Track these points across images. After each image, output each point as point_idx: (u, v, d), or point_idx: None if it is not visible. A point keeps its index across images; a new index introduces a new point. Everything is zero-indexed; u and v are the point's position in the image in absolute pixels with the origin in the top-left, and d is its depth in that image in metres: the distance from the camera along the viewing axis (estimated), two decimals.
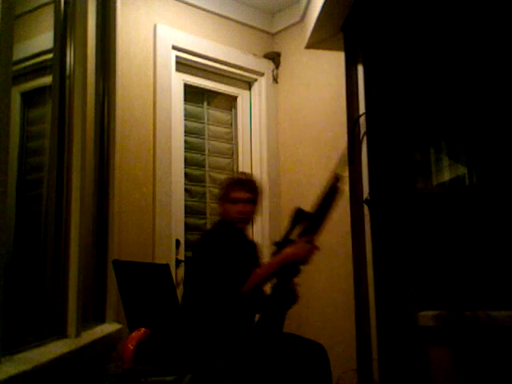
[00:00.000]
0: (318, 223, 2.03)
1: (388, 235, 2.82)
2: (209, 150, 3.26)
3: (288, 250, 2.04)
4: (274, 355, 1.92)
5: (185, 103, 3.15)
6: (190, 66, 3.17)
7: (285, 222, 3.27)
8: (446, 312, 2.73)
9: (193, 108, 3.23)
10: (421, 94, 2.98)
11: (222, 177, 3.29)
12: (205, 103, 3.30)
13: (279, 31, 3.47)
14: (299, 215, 2.00)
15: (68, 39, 1.94)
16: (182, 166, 3.06)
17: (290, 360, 1.93)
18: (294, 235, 2.01)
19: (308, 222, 2.01)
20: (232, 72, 3.32)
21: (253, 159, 3.37)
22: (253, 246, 2.41)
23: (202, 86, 3.25)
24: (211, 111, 3.32)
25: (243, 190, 2.27)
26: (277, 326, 2.03)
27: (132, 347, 1.83)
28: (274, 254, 2.04)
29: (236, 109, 3.42)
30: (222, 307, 2.02)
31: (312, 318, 3.03)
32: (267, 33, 3.48)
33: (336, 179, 2.03)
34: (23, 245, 1.99)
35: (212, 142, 3.29)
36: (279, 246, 2.00)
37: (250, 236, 3.11)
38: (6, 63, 1.29)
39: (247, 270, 2.06)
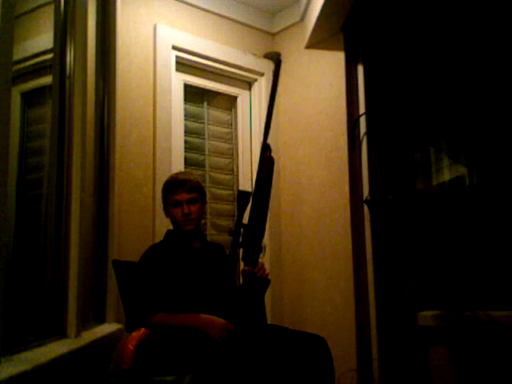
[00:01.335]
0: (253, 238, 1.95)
1: (388, 235, 2.83)
2: (209, 150, 3.26)
3: (207, 322, 1.96)
4: (274, 352, 1.91)
5: (185, 103, 3.15)
6: (190, 66, 3.17)
7: (285, 223, 3.29)
8: (445, 312, 2.74)
9: (193, 108, 3.23)
10: (421, 94, 2.98)
11: (222, 177, 3.29)
12: (205, 103, 3.30)
13: (279, 31, 3.47)
14: (242, 197, 1.92)
15: (68, 39, 1.94)
16: (182, 165, 3.06)
17: (291, 355, 1.92)
18: (246, 218, 1.92)
19: (243, 231, 1.92)
20: (232, 72, 3.32)
21: (253, 159, 3.37)
22: (212, 251, 2.32)
23: (202, 86, 3.25)
24: (211, 111, 3.32)
25: (182, 192, 2.18)
26: (259, 311, 2.00)
27: (132, 347, 1.83)
28: (232, 244, 1.92)
29: (236, 109, 3.42)
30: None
31: (312, 318, 3.03)
32: (267, 33, 3.48)
33: (265, 149, 1.95)
34: (23, 245, 1.99)
35: (212, 142, 3.29)
36: (234, 234, 1.91)
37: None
38: (6, 63, 1.29)
39: (171, 297, 2.04)
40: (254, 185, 1.96)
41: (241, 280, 2.03)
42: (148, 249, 2.24)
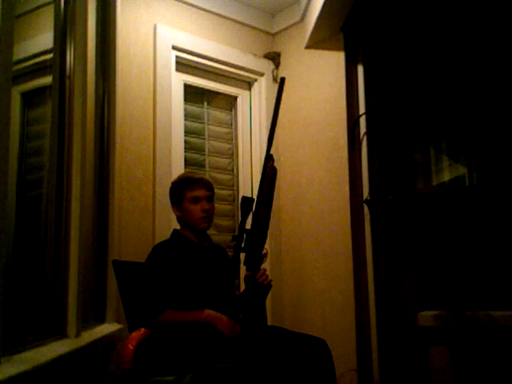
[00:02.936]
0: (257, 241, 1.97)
1: (388, 235, 2.83)
2: (209, 150, 3.26)
3: (219, 317, 1.96)
4: (275, 353, 1.91)
5: (185, 103, 3.15)
6: (190, 66, 3.17)
7: (285, 223, 3.28)
8: (446, 312, 2.74)
9: (193, 108, 3.23)
10: (421, 94, 2.98)
11: (222, 177, 3.29)
12: (205, 103, 3.30)
13: (279, 31, 3.47)
14: (246, 203, 1.93)
15: (68, 39, 1.94)
16: (182, 165, 3.06)
17: (291, 356, 1.92)
18: (248, 224, 1.94)
19: (246, 236, 1.94)
20: (232, 72, 3.32)
21: (253, 159, 3.37)
22: (217, 252, 2.32)
23: (202, 86, 3.25)
24: (211, 111, 3.32)
25: (203, 188, 2.18)
26: (260, 316, 2.01)
27: (132, 347, 1.83)
28: (235, 249, 1.94)
29: (236, 109, 3.42)
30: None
31: (312, 318, 3.03)
32: (267, 33, 3.48)
33: (269, 159, 1.96)
34: (23, 245, 1.99)
35: (212, 142, 3.29)
36: (237, 239, 1.93)
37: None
38: (6, 63, 1.29)
39: (181, 294, 2.03)
40: (256, 192, 1.97)
41: (242, 284, 2.04)
42: (157, 246, 2.21)
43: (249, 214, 1.92)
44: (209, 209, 2.18)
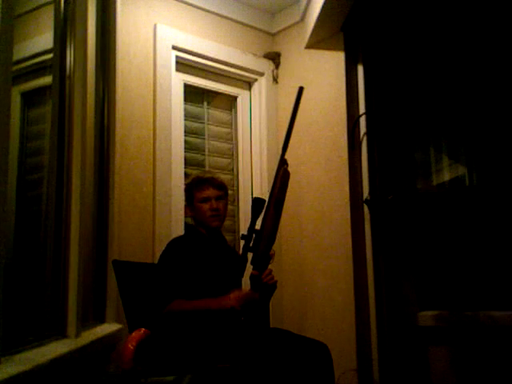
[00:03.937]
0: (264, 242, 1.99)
1: (388, 235, 2.83)
2: (209, 150, 3.26)
3: (222, 298, 1.98)
4: (276, 355, 1.91)
5: (185, 103, 3.15)
6: (190, 66, 3.17)
7: (285, 223, 3.28)
8: (446, 312, 2.74)
9: (193, 108, 3.23)
10: (421, 94, 2.98)
11: (222, 177, 3.28)
12: (205, 103, 3.30)
13: (279, 31, 3.47)
14: (257, 203, 1.98)
15: (68, 39, 1.94)
16: (182, 165, 3.06)
17: (292, 360, 1.93)
18: (258, 225, 1.99)
19: (255, 237, 1.97)
20: (232, 72, 3.32)
21: (253, 159, 3.37)
22: (228, 252, 2.35)
23: (202, 86, 3.25)
24: (211, 111, 3.32)
25: (211, 188, 2.23)
26: (263, 316, 2.03)
27: (132, 347, 1.83)
28: (243, 248, 1.97)
29: (236, 109, 3.42)
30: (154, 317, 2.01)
31: (312, 319, 3.03)
32: (267, 33, 3.48)
33: (283, 163, 2.01)
34: (23, 245, 1.99)
35: (212, 142, 3.29)
36: (246, 238, 1.97)
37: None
38: (5, 63, 1.29)
39: (191, 288, 2.05)
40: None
41: (246, 283, 2.06)
42: (172, 241, 2.24)
43: (259, 214, 1.97)
44: (217, 207, 2.21)
